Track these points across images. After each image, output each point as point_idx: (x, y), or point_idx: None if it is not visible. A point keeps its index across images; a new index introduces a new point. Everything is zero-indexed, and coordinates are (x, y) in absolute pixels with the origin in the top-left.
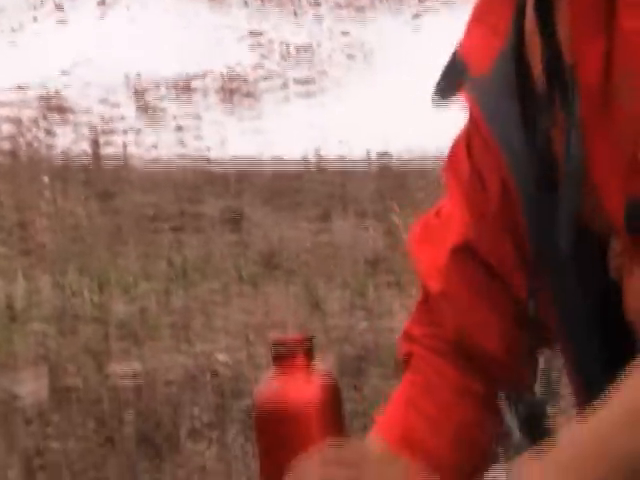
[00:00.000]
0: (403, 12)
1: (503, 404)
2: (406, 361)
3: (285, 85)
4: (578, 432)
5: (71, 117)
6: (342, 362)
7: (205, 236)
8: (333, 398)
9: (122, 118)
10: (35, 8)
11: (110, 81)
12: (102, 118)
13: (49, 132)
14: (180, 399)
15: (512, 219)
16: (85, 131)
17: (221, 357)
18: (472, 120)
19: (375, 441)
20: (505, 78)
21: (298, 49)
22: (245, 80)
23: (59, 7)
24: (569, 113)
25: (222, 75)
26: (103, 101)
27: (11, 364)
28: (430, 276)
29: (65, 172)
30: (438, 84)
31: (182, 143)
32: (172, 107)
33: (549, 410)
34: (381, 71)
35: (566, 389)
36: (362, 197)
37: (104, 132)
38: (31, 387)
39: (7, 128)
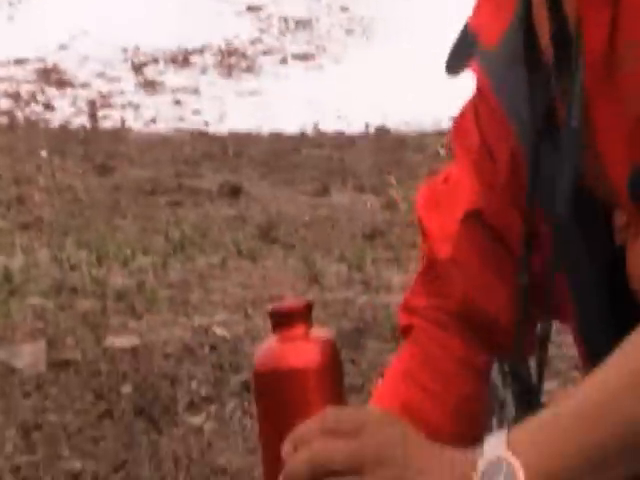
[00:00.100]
0: None
1: (498, 379)
2: (405, 333)
3: (284, 60)
4: (575, 396)
5: (69, 91)
6: (340, 336)
7: (203, 210)
8: (332, 363)
9: (120, 92)
10: None
11: (108, 55)
12: (100, 92)
13: (47, 106)
14: (178, 372)
15: (520, 190)
16: (83, 105)
17: (219, 331)
18: (480, 91)
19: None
20: (513, 49)
21: (297, 24)
22: (244, 54)
23: None
24: (574, 82)
25: (221, 49)
26: (101, 75)
27: (9, 337)
28: (439, 242)
29: (63, 146)
30: (449, 57)
31: (180, 117)
32: (170, 81)
33: (544, 385)
34: (379, 46)
35: (564, 364)
36: (360, 171)
37: (102, 106)
38: (29, 360)
39: (5, 102)
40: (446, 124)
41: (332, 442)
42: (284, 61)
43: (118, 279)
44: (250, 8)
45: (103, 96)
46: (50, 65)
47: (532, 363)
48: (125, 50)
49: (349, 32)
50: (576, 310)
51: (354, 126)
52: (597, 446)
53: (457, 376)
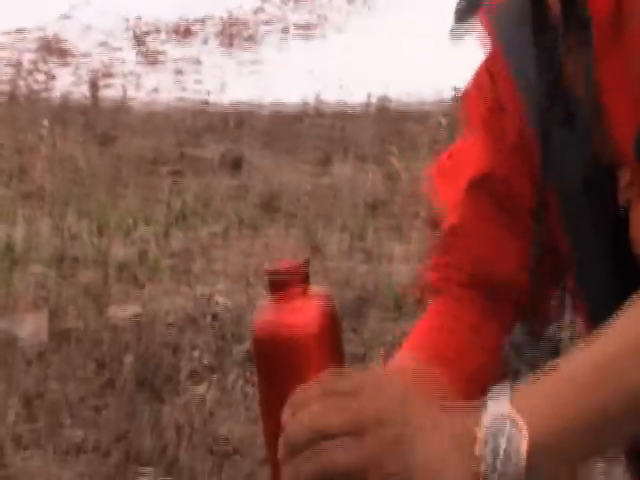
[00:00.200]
0: None
1: (510, 349)
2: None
3: (285, 30)
4: (577, 358)
5: (71, 61)
6: (341, 305)
7: (205, 180)
8: (331, 323)
9: (122, 62)
10: None
11: (110, 25)
12: (102, 62)
13: (49, 76)
14: (180, 342)
15: (528, 155)
16: (85, 75)
17: (221, 300)
18: (490, 51)
19: (405, 359)
20: (521, 7)
21: None
22: (245, 24)
23: None
24: (582, 43)
25: (222, 19)
26: (103, 45)
27: (11, 306)
28: (447, 212)
29: (65, 115)
30: (457, 6)
31: (182, 87)
32: (172, 51)
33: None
34: (381, 16)
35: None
36: (362, 141)
37: (104, 76)
38: (31, 329)
39: (7, 71)
40: (448, 95)
41: (331, 406)
42: (286, 31)
43: (120, 249)
44: None
45: (105, 66)
46: (51, 35)
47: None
48: (127, 20)
49: (351, 1)
50: (580, 274)
51: (356, 96)
52: (599, 409)
53: (471, 344)
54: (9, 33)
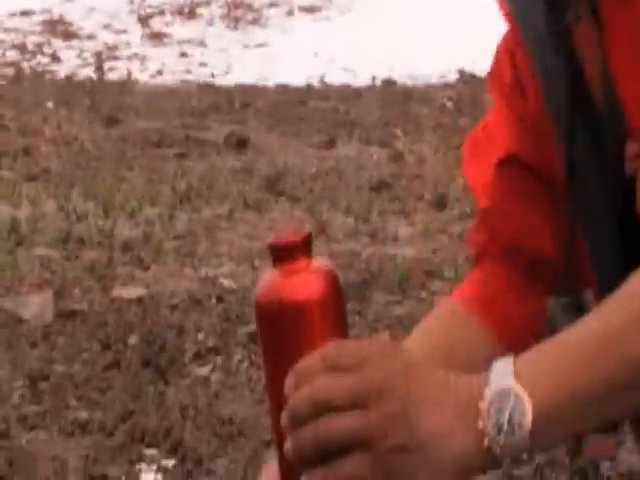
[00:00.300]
0: None
1: (556, 310)
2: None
3: (290, 12)
4: (580, 330)
5: (75, 42)
6: (346, 287)
7: (210, 161)
8: (334, 294)
9: (127, 44)
10: None
11: (114, 6)
12: (106, 43)
13: (54, 58)
14: (185, 323)
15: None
16: (89, 56)
17: (226, 282)
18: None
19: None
20: None
21: None
22: (250, 6)
23: None
24: (591, 9)
25: (227, 1)
26: (107, 26)
27: (16, 287)
28: (480, 193)
29: (70, 97)
30: None
31: (187, 69)
32: (177, 33)
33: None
34: None
35: None
36: (367, 123)
37: (108, 57)
38: (36, 310)
39: (12, 54)
40: (453, 76)
41: (333, 378)
42: (291, 13)
43: (125, 230)
44: None
45: (109, 48)
46: (56, 16)
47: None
48: (131, 2)
49: None
50: (589, 246)
51: (361, 78)
52: (602, 380)
53: (517, 306)
54: (14, 15)
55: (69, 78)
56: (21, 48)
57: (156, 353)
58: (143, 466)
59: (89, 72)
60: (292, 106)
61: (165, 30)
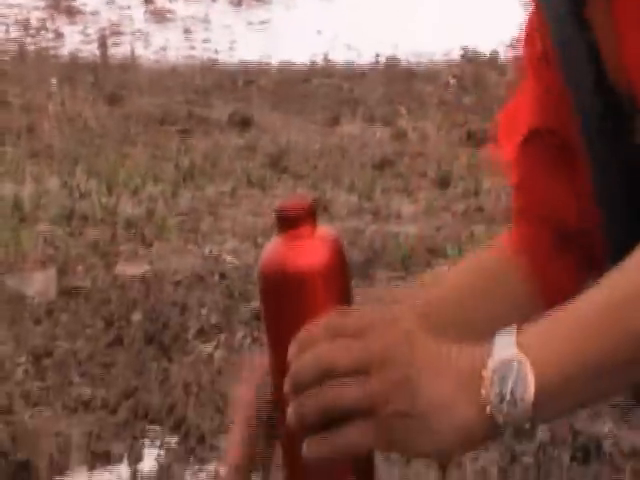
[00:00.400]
0: None
1: None
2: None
3: None
4: (584, 302)
5: (79, 19)
6: (349, 265)
7: (213, 139)
8: (339, 262)
9: (130, 21)
10: None
11: None
12: (110, 20)
13: (57, 34)
14: (188, 300)
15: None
16: (93, 34)
17: (229, 259)
18: None
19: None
20: None
21: None
22: None
23: None
24: None
25: None
26: (111, 3)
27: (20, 264)
28: (508, 170)
29: (73, 74)
30: None
31: (190, 47)
32: (180, 10)
33: None
34: None
35: None
36: (370, 101)
37: (112, 34)
38: (39, 287)
39: (15, 31)
40: (456, 54)
41: (336, 345)
42: None
43: (128, 207)
44: None
45: (113, 25)
46: None
47: None
48: None
49: None
50: (602, 215)
51: (364, 56)
52: (606, 352)
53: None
54: None
55: (73, 55)
56: (24, 25)
57: (159, 330)
58: (146, 442)
59: (93, 49)
60: (296, 84)
61: (169, 7)
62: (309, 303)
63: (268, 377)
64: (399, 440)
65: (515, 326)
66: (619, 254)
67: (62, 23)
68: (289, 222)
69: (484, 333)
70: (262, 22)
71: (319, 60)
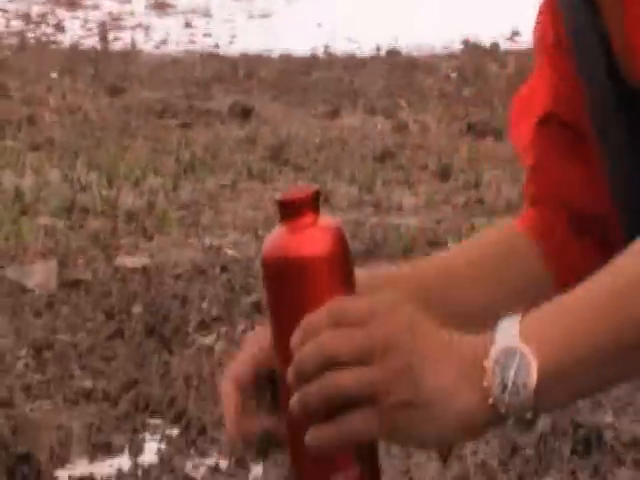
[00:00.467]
0: None
1: None
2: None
3: None
4: (587, 289)
5: (80, 12)
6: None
7: (214, 131)
8: (341, 251)
9: (131, 13)
10: None
11: None
12: (111, 13)
13: (58, 27)
14: (189, 292)
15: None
16: (94, 26)
17: (230, 251)
18: None
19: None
20: None
21: None
22: None
23: None
24: None
25: None
26: None
27: (20, 257)
28: (523, 153)
29: (74, 67)
30: None
31: (191, 39)
32: (181, 3)
33: None
34: None
35: None
36: (371, 93)
37: (113, 27)
38: (40, 279)
39: (16, 23)
40: (457, 47)
41: (340, 333)
42: None
43: (129, 199)
44: None
45: (114, 17)
46: None
47: None
48: None
49: None
50: (616, 203)
51: (365, 48)
52: (609, 340)
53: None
54: None
55: (73, 47)
56: (25, 17)
57: (160, 323)
58: (147, 435)
59: (93, 42)
60: (296, 76)
61: (169, 0)
62: (312, 291)
63: (263, 349)
64: (402, 428)
65: (519, 313)
66: (633, 233)
67: (63, 16)
68: (292, 211)
69: (502, 307)
70: (263, 14)
71: (320, 52)
